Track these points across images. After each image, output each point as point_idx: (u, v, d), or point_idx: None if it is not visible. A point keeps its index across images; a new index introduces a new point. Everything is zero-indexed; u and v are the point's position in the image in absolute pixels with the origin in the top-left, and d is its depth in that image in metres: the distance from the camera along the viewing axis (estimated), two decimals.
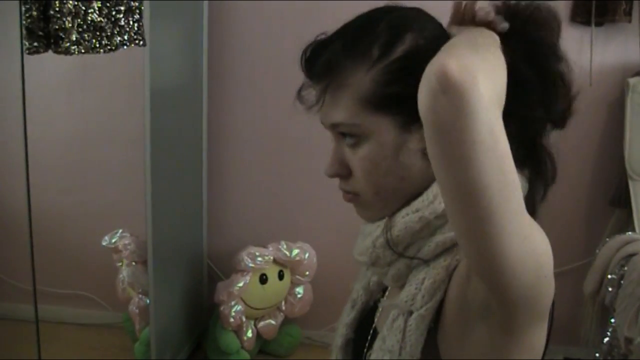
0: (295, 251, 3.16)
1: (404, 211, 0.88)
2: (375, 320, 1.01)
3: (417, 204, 0.87)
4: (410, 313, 0.86)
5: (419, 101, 0.69)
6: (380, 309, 1.01)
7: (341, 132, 0.89)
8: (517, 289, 0.73)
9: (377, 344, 0.91)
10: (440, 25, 0.90)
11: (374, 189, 0.90)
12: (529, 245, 0.71)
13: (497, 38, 0.80)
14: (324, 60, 0.90)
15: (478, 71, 0.66)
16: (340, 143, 0.91)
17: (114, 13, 2.23)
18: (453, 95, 0.65)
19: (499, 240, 0.69)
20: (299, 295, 3.28)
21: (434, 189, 0.86)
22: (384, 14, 0.90)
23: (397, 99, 0.84)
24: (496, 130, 0.67)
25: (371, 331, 1.00)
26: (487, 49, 0.74)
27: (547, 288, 0.76)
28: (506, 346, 0.79)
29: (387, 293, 1.02)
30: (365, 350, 1.00)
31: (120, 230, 3.23)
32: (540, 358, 0.83)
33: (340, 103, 0.87)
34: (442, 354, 0.85)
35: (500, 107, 0.70)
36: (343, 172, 0.92)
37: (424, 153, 0.85)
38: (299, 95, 0.94)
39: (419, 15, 0.91)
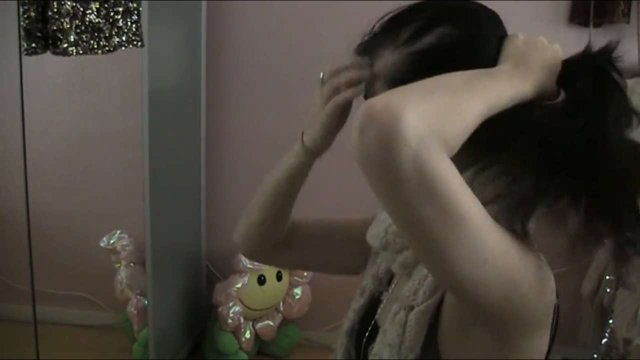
0: None
1: None
2: (378, 311, 1.02)
3: None
4: (412, 308, 0.87)
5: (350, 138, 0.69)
6: (383, 302, 1.02)
7: None
8: (489, 308, 0.74)
9: (379, 337, 0.92)
10: (492, 25, 0.88)
11: None
12: (491, 269, 0.71)
13: (489, 85, 0.77)
14: (369, 39, 0.92)
15: (408, 109, 0.65)
16: None
17: (112, 14, 2.23)
18: (374, 133, 0.65)
19: (450, 267, 0.70)
20: (297, 296, 3.28)
21: None
22: (434, 3, 0.89)
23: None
24: (427, 165, 0.65)
25: (372, 322, 1.01)
26: (450, 92, 0.72)
27: (532, 303, 0.76)
28: (501, 352, 0.80)
29: (392, 285, 1.03)
30: (364, 340, 1.01)
31: (119, 232, 3.23)
32: None
33: (374, 80, 0.89)
34: (441, 351, 0.85)
35: (442, 143, 0.68)
36: None
37: None
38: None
39: (469, 11, 0.89)
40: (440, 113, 0.68)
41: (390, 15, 0.91)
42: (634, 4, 2.89)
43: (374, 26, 0.92)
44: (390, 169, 0.65)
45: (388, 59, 0.87)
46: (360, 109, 0.67)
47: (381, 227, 0.94)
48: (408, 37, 0.86)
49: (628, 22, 2.90)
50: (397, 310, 0.89)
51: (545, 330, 0.82)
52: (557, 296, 0.84)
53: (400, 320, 0.88)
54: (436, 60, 0.83)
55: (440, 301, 0.85)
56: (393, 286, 1.03)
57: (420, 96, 0.68)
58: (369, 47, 0.91)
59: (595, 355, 2.57)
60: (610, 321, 2.43)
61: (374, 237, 0.96)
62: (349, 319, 1.09)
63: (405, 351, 0.86)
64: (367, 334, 1.01)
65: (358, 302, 1.09)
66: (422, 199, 0.66)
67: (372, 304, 1.06)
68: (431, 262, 0.73)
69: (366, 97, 0.90)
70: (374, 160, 0.66)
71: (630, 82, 2.81)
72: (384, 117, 0.64)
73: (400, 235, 0.74)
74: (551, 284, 0.80)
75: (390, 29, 0.89)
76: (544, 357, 0.84)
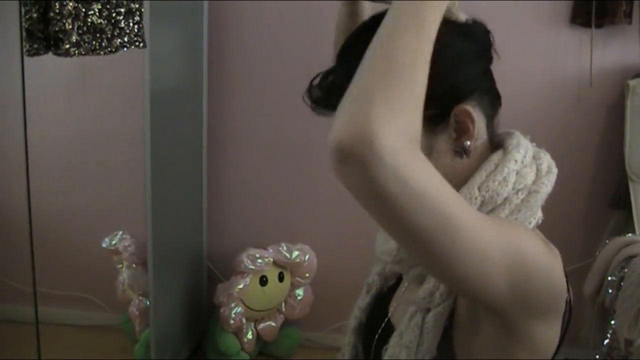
0: (295, 253, 3.16)
1: None
2: (390, 309, 1.03)
3: None
4: (428, 310, 0.88)
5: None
6: (394, 298, 1.03)
7: None
8: (496, 300, 0.76)
9: (394, 339, 0.93)
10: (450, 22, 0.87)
11: None
12: (492, 261, 0.73)
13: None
14: (329, 88, 0.89)
15: (375, 129, 0.65)
16: None
17: (114, 15, 2.23)
18: (351, 164, 0.66)
19: (453, 268, 0.72)
20: (299, 297, 3.28)
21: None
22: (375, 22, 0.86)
23: None
24: (408, 179, 0.67)
25: (385, 320, 1.02)
26: (399, 75, 0.69)
27: (539, 285, 0.77)
28: (510, 342, 0.81)
29: (403, 283, 1.03)
30: (376, 335, 1.02)
31: (120, 232, 3.23)
32: (548, 359, 0.84)
33: None
34: (456, 349, 0.86)
35: (414, 143, 0.69)
36: None
37: (454, 151, 0.87)
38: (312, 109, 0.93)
39: None
40: (403, 110, 0.68)
41: (342, 52, 0.90)
42: (636, 5, 2.89)
43: (322, 81, 0.90)
44: (375, 193, 0.67)
45: None
46: (329, 141, 0.66)
47: (392, 245, 0.94)
48: None
49: (630, 23, 2.90)
50: (414, 312, 0.90)
51: (555, 318, 0.83)
52: (569, 291, 0.85)
53: (417, 323, 0.89)
54: (430, 74, 0.82)
55: (455, 301, 0.87)
56: (403, 289, 1.03)
57: (381, 101, 0.67)
58: (335, 94, 0.87)
59: (597, 356, 2.56)
60: (612, 322, 2.43)
61: (385, 254, 0.96)
62: (355, 316, 1.10)
63: (422, 352, 0.88)
64: (379, 331, 1.01)
65: (364, 300, 1.10)
66: (412, 212, 0.68)
67: (379, 301, 1.07)
68: (434, 268, 0.75)
69: None
70: (359, 187, 0.67)
71: (632, 83, 2.81)
72: (356, 148, 0.65)
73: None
74: (558, 269, 0.81)
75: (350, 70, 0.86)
76: (553, 350, 0.84)
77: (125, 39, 2.30)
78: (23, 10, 2.02)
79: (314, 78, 0.91)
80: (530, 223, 0.88)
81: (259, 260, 3.08)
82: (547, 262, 0.79)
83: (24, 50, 2.05)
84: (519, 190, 0.87)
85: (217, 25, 3.26)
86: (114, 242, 3.22)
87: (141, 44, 2.39)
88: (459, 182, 0.87)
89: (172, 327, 3.13)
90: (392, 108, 0.67)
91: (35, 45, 2.05)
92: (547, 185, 0.89)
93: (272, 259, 3.13)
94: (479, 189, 0.86)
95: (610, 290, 2.44)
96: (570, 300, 0.85)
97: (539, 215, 0.91)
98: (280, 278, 3.19)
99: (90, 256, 3.45)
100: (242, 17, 3.26)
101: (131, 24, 2.31)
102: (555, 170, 0.92)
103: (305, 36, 3.15)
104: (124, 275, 3.18)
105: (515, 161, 0.88)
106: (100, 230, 3.29)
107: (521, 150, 0.89)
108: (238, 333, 3.15)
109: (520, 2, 3.00)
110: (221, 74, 3.32)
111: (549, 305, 0.80)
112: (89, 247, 3.43)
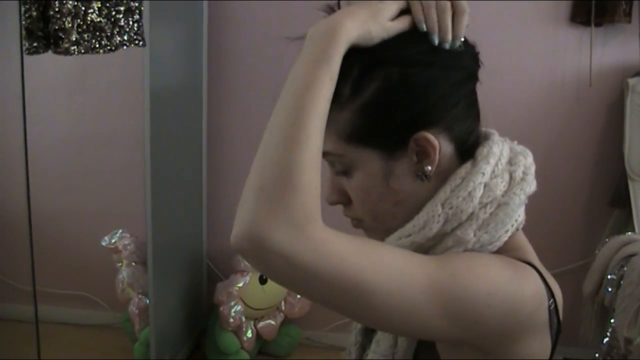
0: None
1: (397, 234, 0.87)
2: None
3: (409, 228, 0.85)
4: None
5: None
6: None
7: (331, 161, 0.88)
8: (442, 337, 0.80)
9: (372, 346, 0.93)
10: (422, 47, 0.83)
11: (372, 215, 0.89)
12: (417, 313, 0.74)
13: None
14: None
15: (265, 224, 0.69)
16: (335, 171, 0.90)
17: (113, 13, 2.23)
18: (251, 261, 0.71)
19: (380, 325, 0.81)
20: (298, 296, 3.28)
21: (424, 215, 0.84)
22: (354, 53, 0.80)
23: (374, 134, 0.83)
24: (306, 261, 0.70)
25: None
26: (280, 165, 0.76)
27: (496, 319, 0.76)
28: None
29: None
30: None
31: (120, 231, 3.23)
32: None
33: (325, 136, 0.79)
34: (440, 353, 0.86)
35: (311, 216, 0.72)
36: (343, 199, 0.92)
37: (415, 175, 0.85)
38: None
39: (395, 43, 0.82)
40: (291, 200, 0.71)
41: None
42: (636, 4, 2.89)
43: None
44: (278, 280, 0.72)
45: (337, 117, 0.82)
46: (231, 240, 0.71)
47: None
48: (351, 91, 0.82)
49: (629, 22, 2.90)
50: None
51: (538, 334, 0.81)
52: (553, 296, 0.82)
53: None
54: (388, 100, 0.81)
55: None
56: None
57: (266, 200, 0.72)
58: None
59: (596, 355, 2.56)
60: (612, 320, 2.43)
61: None
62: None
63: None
64: None
65: None
66: (317, 291, 0.73)
67: None
68: (378, 327, 0.84)
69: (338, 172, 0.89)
70: (266, 273, 0.73)
71: (631, 82, 2.81)
72: (249, 249, 0.70)
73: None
74: (527, 288, 0.79)
75: None
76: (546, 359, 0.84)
77: (125, 38, 2.30)
78: (23, 9, 2.02)
79: None
80: (500, 237, 0.84)
81: None
82: (506, 289, 0.77)
83: (24, 48, 2.06)
84: (486, 204, 0.83)
85: (217, 24, 3.26)
86: (113, 241, 3.22)
87: (141, 43, 2.39)
88: (421, 204, 0.85)
89: (171, 326, 3.13)
90: (279, 203, 0.71)
91: (35, 44, 2.05)
92: (520, 195, 0.84)
93: None
94: (442, 206, 0.83)
95: (609, 289, 2.44)
96: (554, 307, 0.83)
97: (519, 219, 0.87)
98: None
99: (89, 255, 3.46)
100: (242, 16, 3.26)
101: (131, 23, 2.32)
102: (530, 173, 0.87)
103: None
104: (124, 274, 3.18)
105: (483, 174, 0.84)
106: (100, 229, 3.28)
107: (491, 160, 0.85)
108: (238, 332, 3.15)
109: (519, 1, 3.00)
110: (221, 73, 3.32)
111: (517, 328, 0.79)
112: (88, 246, 3.43)
